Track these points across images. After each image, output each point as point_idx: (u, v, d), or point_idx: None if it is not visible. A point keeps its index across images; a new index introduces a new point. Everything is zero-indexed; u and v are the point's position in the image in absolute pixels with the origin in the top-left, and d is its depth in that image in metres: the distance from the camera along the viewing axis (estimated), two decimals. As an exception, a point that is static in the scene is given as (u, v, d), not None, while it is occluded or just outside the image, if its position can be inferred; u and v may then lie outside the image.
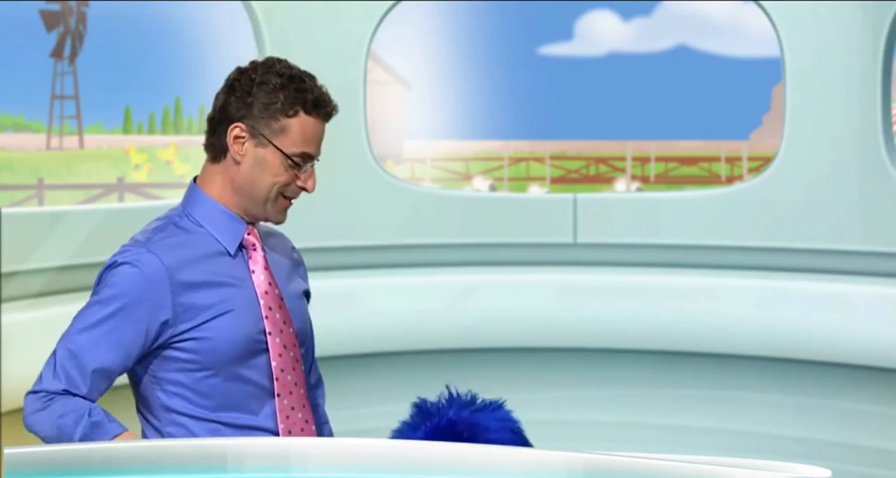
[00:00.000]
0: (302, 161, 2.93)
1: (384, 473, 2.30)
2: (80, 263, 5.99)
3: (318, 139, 2.95)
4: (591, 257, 6.82)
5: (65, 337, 2.88)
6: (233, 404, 2.91)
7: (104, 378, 2.87)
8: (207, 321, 2.88)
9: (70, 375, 2.84)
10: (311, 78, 2.96)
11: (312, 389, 3.17)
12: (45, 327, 5.70)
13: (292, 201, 2.99)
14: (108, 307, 2.86)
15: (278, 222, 3.01)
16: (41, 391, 2.85)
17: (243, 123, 2.91)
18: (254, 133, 2.91)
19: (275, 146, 2.91)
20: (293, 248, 3.14)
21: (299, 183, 2.95)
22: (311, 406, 3.03)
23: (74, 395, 2.84)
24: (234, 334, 2.89)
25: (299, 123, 2.92)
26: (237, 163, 2.93)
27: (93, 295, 2.90)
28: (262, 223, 3.04)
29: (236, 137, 2.92)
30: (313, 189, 2.96)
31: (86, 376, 2.85)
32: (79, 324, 2.87)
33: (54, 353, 2.87)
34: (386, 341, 6.76)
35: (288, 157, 2.91)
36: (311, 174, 2.95)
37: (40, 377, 2.86)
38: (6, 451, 2.27)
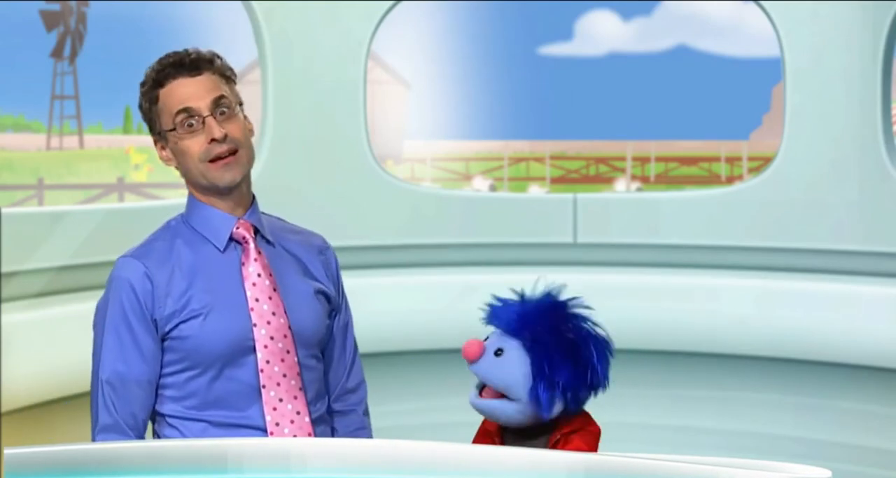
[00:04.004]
0: (188, 119, 2.92)
1: (384, 473, 2.30)
2: (80, 263, 5.98)
3: (192, 94, 2.94)
4: (591, 257, 6.81)
5: (98, 372, 2.93)
6: (220, 403, 2.91)
7: (153, 390, 2.93)
8: (191, 319, 2.90)
9: (124, 404, 2.90)
10: (175, 53, 2.98)
11: (349, 394, 3.17)
12: (45, 327, 5.70)
13: (224, 159, 2.94)
14: (119, 326, 2.91)
15: (226, 184, 2.95)
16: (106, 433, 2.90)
17: (154, 136, 3.00)
18: (159, 137, 2.98)
19: (165, 131, 2.95)
20: (321, 249, 3.16)
21: (209, 139, 2.93)
22: (306, 399, 2.98)
23: (133, 424, 2.91)
24: (220, 331, 2.90)
25: (163, 96, 2.95)
26: (176, 167, 3.00)
27: (98, 325, 2.95)
28: (287, 222, 3.10)
29: (161, 148, 2.99)
30: (221, 135, 2.92)
31: (137, 400, 2.91)
32: (102, 355, 2.92)
33: (97, 391, 2.92)
34: (386, 341, 6.74)
35: (174, 128, 2.93)
36: (211, 124, 2.93)
37: (96, 417, 2.92)
38: (6, 451, 2.27)
